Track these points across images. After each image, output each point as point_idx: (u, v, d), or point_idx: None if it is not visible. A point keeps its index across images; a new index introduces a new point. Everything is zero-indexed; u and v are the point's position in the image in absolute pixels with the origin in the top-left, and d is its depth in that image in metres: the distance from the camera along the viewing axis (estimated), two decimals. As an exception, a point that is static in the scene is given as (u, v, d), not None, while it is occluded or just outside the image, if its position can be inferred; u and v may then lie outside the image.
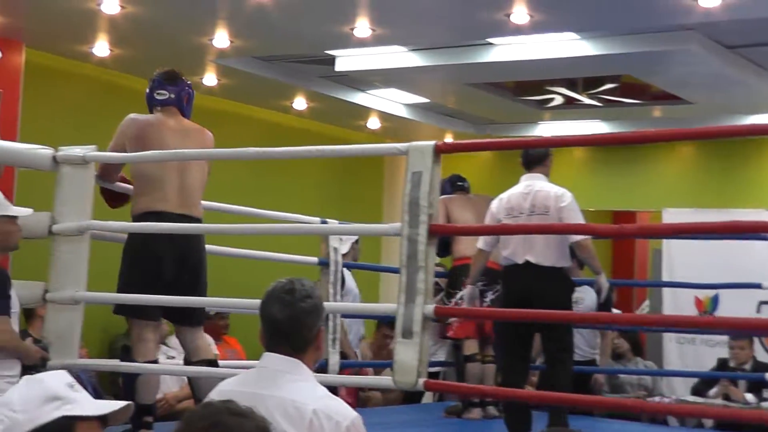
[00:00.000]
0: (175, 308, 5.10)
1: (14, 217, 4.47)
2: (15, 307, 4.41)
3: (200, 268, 5.19)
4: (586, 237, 5.90)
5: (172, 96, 5.30)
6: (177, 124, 5.27)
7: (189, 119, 5.39)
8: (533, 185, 5.98)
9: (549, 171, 6.15)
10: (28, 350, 4.45)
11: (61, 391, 2.10)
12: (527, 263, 5.86)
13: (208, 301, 5.30)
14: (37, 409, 2.06)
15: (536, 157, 6.09)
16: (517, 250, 5.89)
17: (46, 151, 5.13)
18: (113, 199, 5.40)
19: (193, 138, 5.26)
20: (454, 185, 7.54)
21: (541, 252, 5.85)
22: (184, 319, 5.23)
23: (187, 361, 5.26)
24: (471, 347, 7.06)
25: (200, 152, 5.22)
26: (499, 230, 6.10)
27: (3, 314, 4.30)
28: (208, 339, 8.01)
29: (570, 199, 5.89)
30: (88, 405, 2.12)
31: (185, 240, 5.08)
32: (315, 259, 6.76)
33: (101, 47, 7.98)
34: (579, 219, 5.88)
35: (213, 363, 5.22)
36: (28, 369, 4.31)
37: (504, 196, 6.05)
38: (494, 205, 6.07)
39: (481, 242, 6.21)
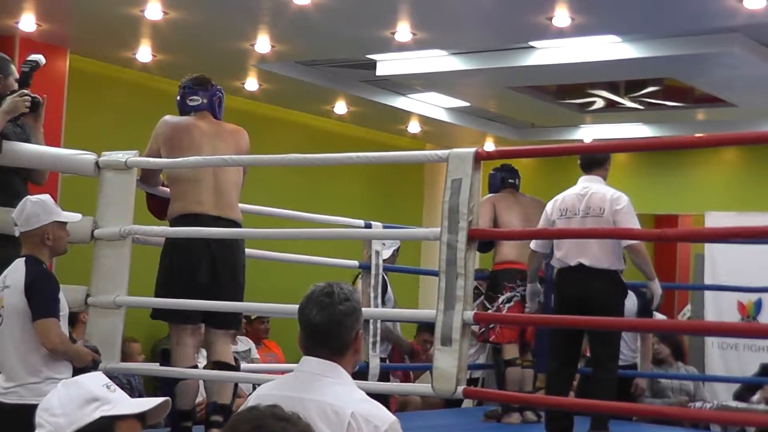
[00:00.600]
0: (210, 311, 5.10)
1: (64, 223, 4.52)
2: (64, 310, 4.45)
3: (236, 271, 5.17)
4: (640, 241, 5.88)
5: (204, 101, 5.32)
6: (210, 125, 5.28)
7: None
8: (590, 187, 5.96)
9: (607, 174, 6.12)
10: (79, 353, 4.47)
11: (98, 391, 2.14)
12: (581, 265, 5.84)
13: (246, 306, 5.31)
14: (77, 412, 2.10)
15: (597, 159, 6.06)
16: (570, 253, 5.86)
17: (88, 157, 5.18)
18: (160, 211, 5.42)
19: (226, 139, 5.28)
20: (504, 182, 7.33)
21: (594, 254, 5.82)
22: (217, 322, 5.20)
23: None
24: (511, 351, 7.03)
25: (242, 158, 5.24)
26: (541, 234, 6.08)
27: (53, 317, 4.34)
28: (249, 343, 8.10)
29: (626, 203, 5.87)
30: (126, 404, 2.16)
31: (220, 243, 5.09)
32: (356, 263, 6.77)
33: (144, 53, 8.05)
34: (634, 223, 5.84)
35: (228, 366, 5.18)
36: (79, 371, 4.32)
37: (559, 197, 6.03)
38: (549, 206, 6.06)
39: (534, 244, 6.19)
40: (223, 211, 5.12)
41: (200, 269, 5.03)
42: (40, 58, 5.36)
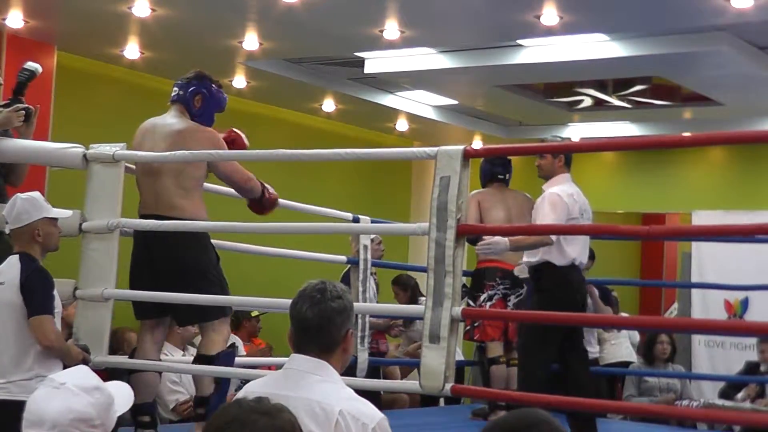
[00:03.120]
0: (168, 306, 5.06)
1: (55, 219, 4.51)
2: (58, 307, 4.44)
3: (182, 269, 5.03)
4: None
5: (181, 93, 5.25)
6: (164, 124, 5.22)
7: (207, 119, 5.29)
8: (575, 187, 5.94)
9: None
10: (70, 351, 4.47)
11: (112, 392, 2.23)
12: (580, 264, 5.89)
13: (234, 300, 5.29)
14: (108, 417, 2.17)
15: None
16: (583, 252, 5.88)
17: (76, 150, 5.18)
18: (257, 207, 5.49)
19: (171, 141, 5.12)
20: (494, 175, 7.03)
21: (585, 254, 5.92)
22: (177, 319, 5.27)
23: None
24: (495, 349, 6.99)
25: (230, 153, 5.23)
26: (525, 230, 6.07)
27: (48, 314, 4.33)
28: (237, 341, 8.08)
29: None
30: (121, 399, 2.28)
31: (158, 242, 5.00)
32: (344, 258, 6.76)
33: (132, 50, 8.03)
34: None
35: (204, 359, 5.07)
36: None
37: (571, 192, 5.83)
38: (567, 200, 5.76)
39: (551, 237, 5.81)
40: (160, 210, 5.08)
41: (142, 269, 5.07)
42: (37, 67, 5.35)
